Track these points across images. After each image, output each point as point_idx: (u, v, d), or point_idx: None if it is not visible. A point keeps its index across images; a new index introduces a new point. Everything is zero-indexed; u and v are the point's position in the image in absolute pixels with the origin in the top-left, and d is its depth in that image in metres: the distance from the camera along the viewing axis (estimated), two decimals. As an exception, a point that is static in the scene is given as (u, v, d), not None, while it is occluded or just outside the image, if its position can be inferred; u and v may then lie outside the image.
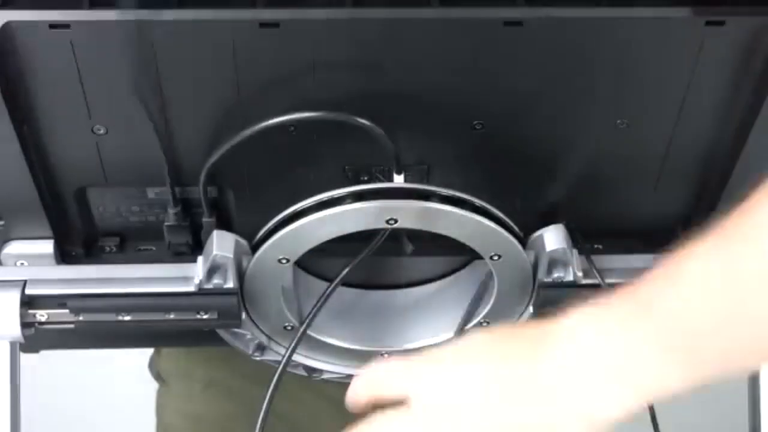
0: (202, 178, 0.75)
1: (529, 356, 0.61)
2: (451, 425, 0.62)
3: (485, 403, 0.62)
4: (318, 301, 0.80)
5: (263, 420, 0.78)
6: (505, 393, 0.61)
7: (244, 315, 0.81)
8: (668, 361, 0.58)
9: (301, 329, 0.80)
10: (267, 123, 0.71)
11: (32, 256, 0.80)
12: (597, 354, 0.59)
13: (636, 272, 0.73)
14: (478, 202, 0.75)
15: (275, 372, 0.80)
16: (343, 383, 0.92)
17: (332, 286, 0.80)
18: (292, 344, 0.80)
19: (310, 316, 0.80)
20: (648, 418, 0.84)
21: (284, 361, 0.80)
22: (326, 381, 0.91)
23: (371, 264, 0.80)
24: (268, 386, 0.79)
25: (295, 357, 0.85)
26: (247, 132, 0.72)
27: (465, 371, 0.63)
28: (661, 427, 0.84)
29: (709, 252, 0.57)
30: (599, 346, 0.59)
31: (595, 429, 0.60)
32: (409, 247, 0.80)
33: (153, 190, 0.80)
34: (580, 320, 0.61)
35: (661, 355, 0.58)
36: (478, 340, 0.64)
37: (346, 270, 0.79)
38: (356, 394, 0.67)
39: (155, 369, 1.08)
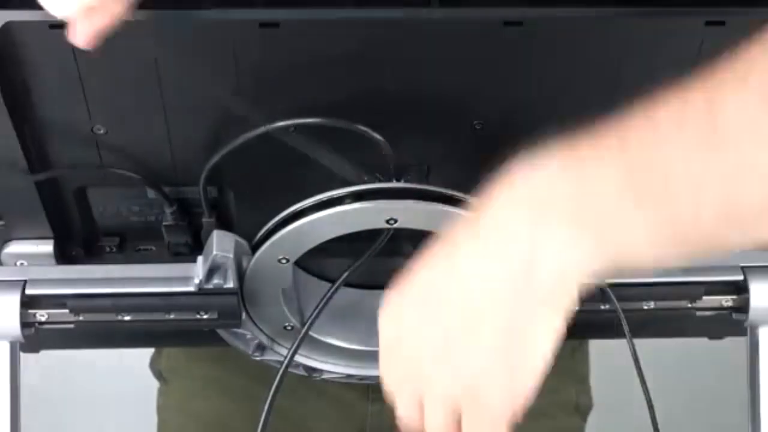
0: (202, 179, 0.75)
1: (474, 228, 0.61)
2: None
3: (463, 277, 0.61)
4: (320, 302, 0.80)
5: (265, 421, 0.78)
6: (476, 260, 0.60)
7: (244, 315, 0.81)
8: (634, 214, 0.56)
9: (303, 330, 0.80)
10: (267, 127, 0.71)
11: (32, 256, 0.80)
12: (553, 193, 0.58)
13: (636, 272, 0.74)
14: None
15: (277, 373, 0.80)
16: (344, 383, 0.92)
17: (334, 286, 0.79)
18: (294, 345, 0.80)
19: (312, 317, 0.80)
20: (647, 417, 0.84)
21: (286, 362, 0.80)
22: (326, 381, 0.91)
23: (371, 264, 0.80)
24: (269, 384, 0.80)
25: (296, 357, 0.85)
26: (248, 135, 0.72)
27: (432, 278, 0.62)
28: (661, 427, 0.84)
29: (683, 100, 0.56)
30: (556, 184, 0.58)
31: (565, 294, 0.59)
32: (408, 249, 0.80)
33: (153, 190, 0.80)
34: (535, 168, 0.59)
35: (627, 204, 0.56)
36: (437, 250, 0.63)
37: (349, 271, 0.79)
38: None
39: (156, 367, 1.08)
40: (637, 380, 0.81)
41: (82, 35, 0.64)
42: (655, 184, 0.55)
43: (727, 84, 0.55)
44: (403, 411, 0.65)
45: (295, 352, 0.80)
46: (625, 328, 0.79)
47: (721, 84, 0.55)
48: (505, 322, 0.60)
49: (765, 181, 0.54)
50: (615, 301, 0.79)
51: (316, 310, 0.80)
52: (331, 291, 0.79)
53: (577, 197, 0.57)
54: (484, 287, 0.59)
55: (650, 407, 0.84)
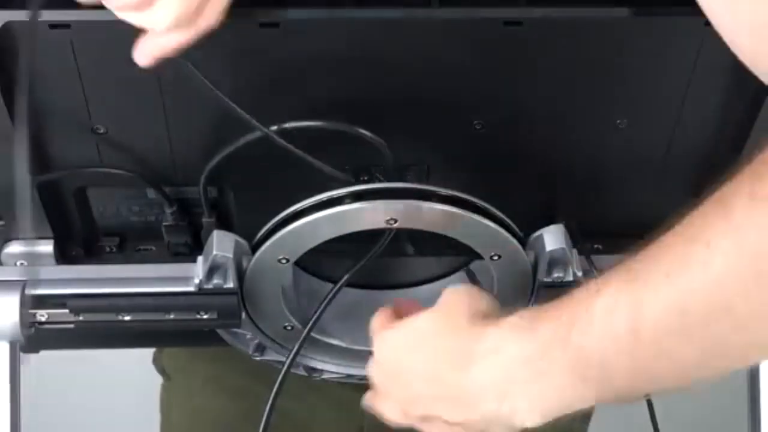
0: (202, 179, 0.75)
1: (460, 363, 0.68)
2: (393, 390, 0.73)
3: (421, 392, 0.71)
4: (321, 303, 0.80)
5: (266, 421, 0.78)
6: (437, 390, 0.70)
7: (243, 315, 0.81)
8: (581, 386, 0.64)
9: (305, 331, 0.80)
10: (268, 130, 0.71)
11: (32, 256, 0.80)
12: (518, 373, 0.66)
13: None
14: (478, 202, 0.75)
15: (277, 372, 0.80)
16: (344, 382, 0.92)
17: (337, 287, 0.79)
18: (296, 346, 0.80)
19: (314, 318, 0.80)
20: (646, 416, 0.84)
21: (288, 362, 0.80)
22: (326, 381, 0.91)
23: (371, 264, 0.80)
24: (270, 383, 0.80)
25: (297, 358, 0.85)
26: (248, 138, 0.72)
27: (409, 360, 0.72)
28: (660, 426, 0.84)
29: (618, 292, 0.61)
30: (520, 366, 0.66)
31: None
32: (410, 249, 0.80)
33: (153, 190, 0.80)
34: (507, 337, 0.67)
35: (574, 381, 0.64)
36: (423, 328, 0.72)
37: (352, 271, 0.79)
38: None
39: (159, 364, 1.09)
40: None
41: (159, 50, 0.66)
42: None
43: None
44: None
45: (297, 353, 0.80)
46: None
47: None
48: None
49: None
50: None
51: (319, 311, 0.80)
52: (334, 291, 0.79)
53: (537, 379, 0.66)
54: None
55: (650, 406, 0.84)
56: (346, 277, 0.79)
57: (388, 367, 0.74)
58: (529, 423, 0.68)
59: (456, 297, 0.72)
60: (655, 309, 0.60)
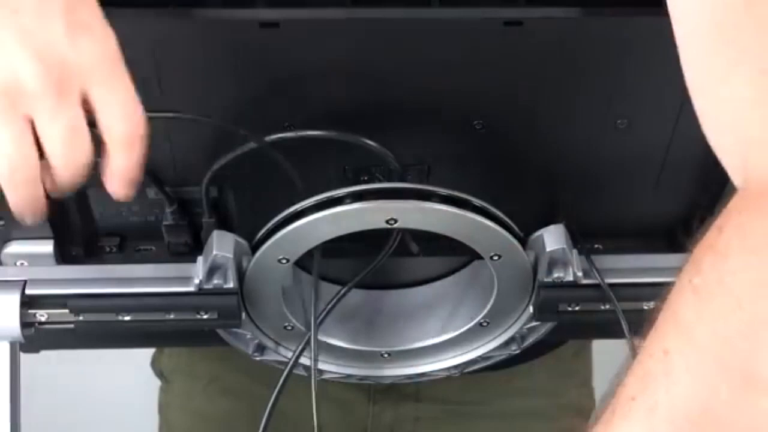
0: (205, 181, 0.76)
1: None
2: None
3: None
4: (327, 305, 0.80)
5: (266, 423, 0.78)
6: None
7: (243, 315, 0.81)
8: None
9: (310, 334, 0.80)
10: (273, 137, 0.72)
11: (32, 256, 0.80)
12: None
13: (636, 272, 0.74)
14: (478, 202, 0.75)
15: (276, 372, 0.80)
16: (343, 382, 0.92)
17: (345, 289, 0.79)
18: (299, 348, 0.80)
19: (319, 320, 0.80)
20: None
21: (291, 363, 0.80)
22: (326, 381, 0.91)
23: (372, 265, 0.80)
24: (270, 384, 0.79)
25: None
26: (252, 144, 0.72)
27: None
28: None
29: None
30: None
31: None
32: (415, 248, 0.80)
33: (153, 190, 0.80)
34: None
35: None
36: None
37: (362, 275, 0.79)
38: None
39: (158, 366, 1.08)
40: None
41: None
42: None
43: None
44: None
45: (299, 355, 0.80)
46: (625, 328, 0.79)
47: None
48: None
49: None
50: (615, 300, 0.79)
51: (324, 312, 0.80)
52: (342, 293, 0.79)
53: None
54: None
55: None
56: (355, 280, 0.79)
57: None
58: None
59: None
60: None
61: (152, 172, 0.77)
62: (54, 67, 0.58)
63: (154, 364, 1.09)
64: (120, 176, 0.63)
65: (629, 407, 0.55)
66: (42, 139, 0.59)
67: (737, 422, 0.53)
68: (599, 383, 1.11)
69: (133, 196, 0.64)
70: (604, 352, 1.13)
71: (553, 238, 0.79)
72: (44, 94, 0.58)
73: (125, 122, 0.61)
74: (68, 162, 0.60)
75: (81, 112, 0.60)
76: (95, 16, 0.60)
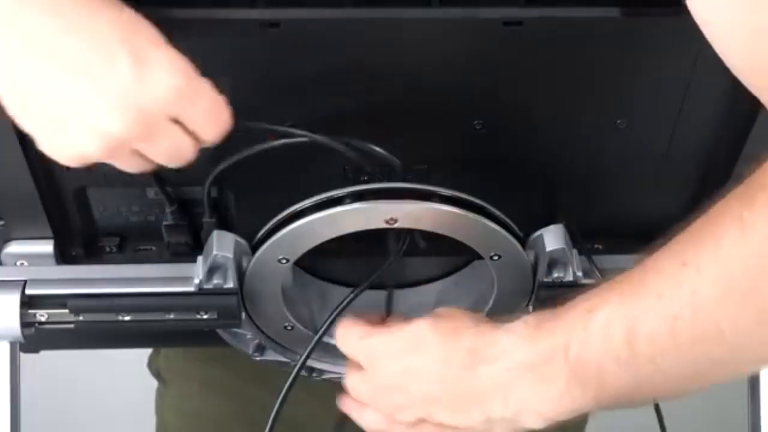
0: (207, 182, 0.76)
1: (468, 363, 0.70)
2: (394, 398, 0.73)
3: (418, 395, 0.72)
4: (336, 308, 0.79)
5: (272, 426, 0.78)
6: (440, 390, 0.71)
7: (243, 315, 0.81)
8: (580, 393, 0.67)
9: (316, 338, 0.80)
10: (279, 143, 0.72)
11: (32, 256, 0.80)
12: (524, 377, 0.68)
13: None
14: (478, 202, 0.75)
15: (277, 375, 0.79)
16: (339, 383, 0.92)
17: (356, 293, 0.79)
18: (307, 351, 0.80)
19: (327, 323, 0.80)
20: (643, 415, 0.84)
21: (299, 365, 0.80)
22: (326, 381, 0.91)
23: (372, 265, 0.80)
24: (266, 385, 0.79)
25: (296, 357, 0.85)
26: (258, 148, 0.72)
27: (411, 363, 0.72)
28: (669, 415, 0.85)
29: (614, 308, 0.64)
30: (526, 371, 0.68)
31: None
32: (423, 244, 0.80)
33: (153, 190, 0.80)
34: (514, 342, 0.69)
35: (574, 389, 0.67)
36: (426, 331, 0.73)
37: (371, 279, 0.79)
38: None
39: (154, 368, 1.08)
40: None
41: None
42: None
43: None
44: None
45: (307, 357, 0.80)
46: None
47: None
48: None
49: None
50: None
51: (333, 315, 0.79)
52: (351, 297, 0.79)
53: (540, 386, 0.68)
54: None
55: (656, 406, 0.84)
56: (367, 283, 0.79)
57: (380, 374, 0.74)
58: (532, 424, 0.69)
59: (454, 308, 0.75)
60: (648, 328, 0.63)
61: (154, 172, 0.77)
62: (135, 114, 0.60)
63: (151, 365, 1.09)
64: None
65: (654, 302, 0.62)
66: (151, 159, 0.65)
67: (740, 341, 0.61)
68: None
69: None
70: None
71: (553, 238, 0.79)
72: (137, 138, 0.62)
73: (216, 132, 0.65)
74: (177, 161, 0.65)
75: (176, 132, 0.63)
76: (154, 43, 0.61)
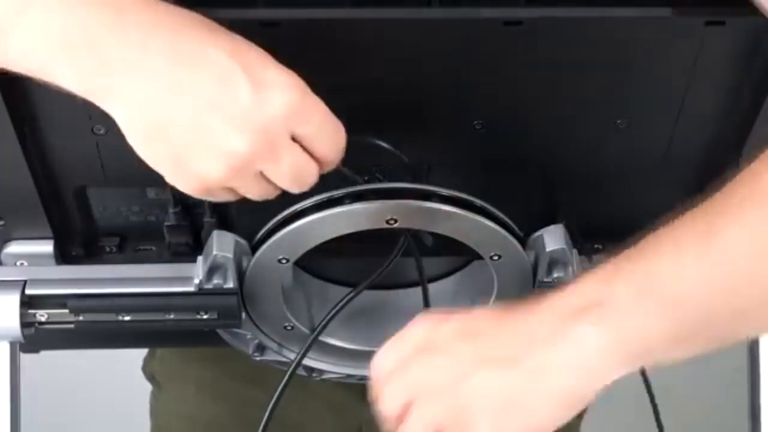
0: None
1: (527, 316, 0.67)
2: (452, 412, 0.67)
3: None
4: (335, 308, 0.80)
5: (266, 424, 0.78)
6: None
7: (243, 315, 0.81)
8: (652, 324, 0.64)
9: (312, 336, 0.80)
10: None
11: (32, 256, 0.80)
12: (587, 316, 0.65)
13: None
14: (478, 202, 0.75)
15: (274, 376, 0.79)
16: (337, 384, 0.92)
17: (355, 293, 0.79)
18: (303, 350, 0.80)
19: (324, 322, 0.80)
20: (643, 416, 0.84)
21: (294, 364, 0.80)
22: (324, 381, 0.91)
23: (372, 264, 0.80)
24: (263, 387, 0.79)
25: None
26: None
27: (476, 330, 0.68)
28: (665, 415, 0.85)
29: (686, 223, 0.65)
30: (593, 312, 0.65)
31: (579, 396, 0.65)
32: (429, 239, 0.80)
33: (153, 190, 0.80)
34: (587, 289, 0.66)
35: (646, 318, 0.64)
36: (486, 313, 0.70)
37: (370, 280, 0.79)
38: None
39: (149, 371, 1.08)
40: (629, 378, 0.81)
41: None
42: (667, 293, 0.64)
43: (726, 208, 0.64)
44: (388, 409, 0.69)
45: (303, 356, 0.80)
46: None
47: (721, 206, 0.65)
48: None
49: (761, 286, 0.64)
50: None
51: (331, 314, 0.80)
52: (353, 295, 0.79)
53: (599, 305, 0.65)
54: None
55: (654, 405, 0.84)
56: (364, 285, 0.79)
57: (443, 350, 0.68)
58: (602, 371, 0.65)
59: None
60: (731, 235, 0.63)
61: (150, 176, 0.77)
62: (257, 133, 0.63)
63: (145, 368, 1.09)
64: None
65: (735, 209, 0.64)
66: (274, 182, 0.66)
67: None
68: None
69: None
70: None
71: (553, 238, 0.79)
72: (261, 158, 0.64)
73: (333, 147, 0.67)
74: (300, 185, 0.67)
75: (295, 149, 0.65)
76: (263, 62, 0.64)
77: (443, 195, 0.75)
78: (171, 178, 0.65)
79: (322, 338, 0.85)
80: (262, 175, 0.65)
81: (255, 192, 0.66)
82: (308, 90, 0.65)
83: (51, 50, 0.61)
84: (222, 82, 0.62)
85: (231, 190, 0.66)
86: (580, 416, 1.09)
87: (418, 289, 0.84)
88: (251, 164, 0.64)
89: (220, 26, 0.64)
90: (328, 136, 0.66)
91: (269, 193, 0.67)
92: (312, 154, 0.66)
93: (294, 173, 0.66)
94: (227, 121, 0.62)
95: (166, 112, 0.62)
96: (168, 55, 0.61)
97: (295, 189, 0.67)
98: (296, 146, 0.65)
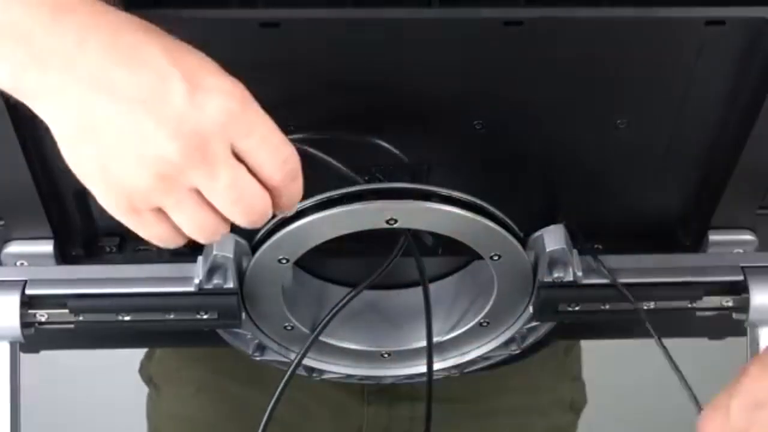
0: None
1: None
2: None
3: None
4: (335, 308, 0.80)
5: (266, 424, 0.78)
6: None
7: (243, 315, 0.81)
8: None
9: (312, 336, 0.80)
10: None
11: (32, 256, 0.80)
12: None
13: (636, 272, 0.74)
14: (478, 202, 0.75)
15: (271, 377, 0.79)
16: (337, 384, 0.92)
17: (355, 293, 0.79)
18: (302, 350, 0.80)
19: (324, 322, 0.80)
20: (643, 419, 0.84)
21: (294, 364, 0.80)
22: (324, 381, 0.91)
23: (372, 264, 0.80)
24: (262, 388, 0.79)
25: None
26: None
27: None
28: (660, 425, 0.84)
29: None
30: None
31: None
32: (430, 239, 0.80)
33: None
34: None
35: None
36: None
37: (370, 280, 0.79)
38: None
39: (146, 373, 1.08)
40: (623, 377, 0.81)
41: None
42: None
43: None
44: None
45: (303, 356, 0.80)
46: (650, 324, 0.79)
47: None
48: None
49: None
50: (631, 298, 0.79)
51: (331, 314, 0.80)
52: (353, 295, 0.79)
53: None
54: None
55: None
56: (364, 285, 0.79)
57: None
58: None
59: None
60: None
61: None
62: (190, 137, 0.58)
63: (142, 371, 1.09)
64: (291, 205, 0.63)
65: None
66: (214, 204, 0.60)
67: None
68: (589, 377, 1.11)
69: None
70: (593, 346, 1.14)
71: (553, 238, 0.79)
72: (193, 166, 0.59)
73: (279, 164, 0.61)
74: (246, 213, 0.61)
75: (236, 165, 0.60)
76: (204, 67, 0.60)
77: (443, 195, 0.75)
78: (97, 191, 0.61)
79: (322, 338, 0.85)
80: (197, 194, 0.60)
81: (189, 216, 0.60)
82: (252, 100, 0.60)
83: None
84: (158, 83, 0.58)
85: (161, 212, 0.61)
86: (577, 415, 1.10)
87: (418, 289, 0.84)
88: (182, 175, 0.59)
89: (160, 29, 0.61)
90: (274, 153, 0.60)
91: (207, 223, 0.61)
92: (258, 176, 0.61)
93: (235, 194, 0.60)
94: (160, 124, 0.58)
95: (98, 112, 0.58)
96: (104, 54, 0.58)
97: (239, 217, 0.61)
98: (239, 165, 0.60)
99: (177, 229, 0.62)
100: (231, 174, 0.59)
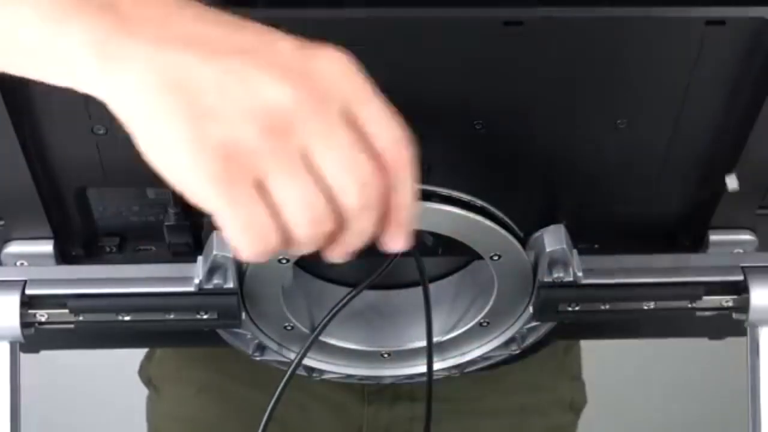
0: None
1: None
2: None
3: None
4: (334, 308, 0.80)
5: (266, 425, 0.78)
6: None
7: (243, 315, 0.81)
8: None
9: (312, 336, 0.80)
10: None
11: (32, 256, 0.80)
12: None
13: (636, 272, 0.73)
14: (478, 202, 0.75)
15: (273, 378, 0.79)
16: (337, 384, 0.92)
17: (354, 293, 0.79)
18: (302, 350, 0.80)
19: (324, 322, 0.80)
20: (643, 418, 0.84)
21: (294, 364, 0.80)
22: (324, 381, 0.91)
23: (372, 264, 0.80)
24: (262, 388, 0.79)
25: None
26: None
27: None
28: (660, 426, 0.84)
29: None
30: None
31: None
32: (429, 239, 0.80)
33: (153, 190, 0.80)
34: None
35: None
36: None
37: (370, 280, 0.79)
38: None
39: (146, 375, 1.08)
40: (623, 377, 0.81)
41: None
42: None
43: None
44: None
45: (303, 356, 0.80)
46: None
47: None
48: None
49: None
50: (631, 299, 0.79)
51: (331, 314, 0.80)
52: (352, 295, 0.79)
53: None
54: None
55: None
56: (364, 285, 0.79)
57: None
58: None
59: None
60: None
61: (150, 176, 0.77)
62: (304, 81, 0.51)
63: (142, 372, 1.09)
64: (407, 193, 0.55)
65: None
66: (325, 172, 0.51)
67: None
68: (589, 377, 1.11)
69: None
70: (593, 346, 1.14)
71: (553, 238, 0.79)
72: (307, 116, 0.51)
73: (394, 141, 0.54)
74: (360, 185, 0.53)
75: (354, 129, 0.52)
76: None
77: (443, 195, 0.75)
78: (186, 162, 0.51)
79: (322, 338, 0.86)
80: (306, 160, 0.51)
81: (297, 188, 0.51)
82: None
83: (66, 8, 0.52)
84: (262, 37, 0.52)
85: (261, 189, 0.51)
86: (577, 415, 1.10)
87: (418, 289, 0.84)
88: (294, 127, 0.50)
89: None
90: (390, 128, 0.53)
91: (316, 202, 0.51)
92: (371, 149, 0.52)
93: (352, 159, 0.51)
94: (269, 67, 0.51)
95: (194, 70, 0.51)
96: (202, 16, 0.52)
97: (350, 191, 0.52)
98: (352, 129, 0.52)
99: (275, 217, 0.52)
100: (350, 134, 0.52)
